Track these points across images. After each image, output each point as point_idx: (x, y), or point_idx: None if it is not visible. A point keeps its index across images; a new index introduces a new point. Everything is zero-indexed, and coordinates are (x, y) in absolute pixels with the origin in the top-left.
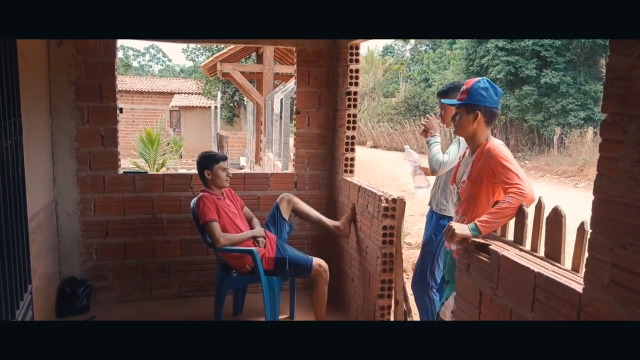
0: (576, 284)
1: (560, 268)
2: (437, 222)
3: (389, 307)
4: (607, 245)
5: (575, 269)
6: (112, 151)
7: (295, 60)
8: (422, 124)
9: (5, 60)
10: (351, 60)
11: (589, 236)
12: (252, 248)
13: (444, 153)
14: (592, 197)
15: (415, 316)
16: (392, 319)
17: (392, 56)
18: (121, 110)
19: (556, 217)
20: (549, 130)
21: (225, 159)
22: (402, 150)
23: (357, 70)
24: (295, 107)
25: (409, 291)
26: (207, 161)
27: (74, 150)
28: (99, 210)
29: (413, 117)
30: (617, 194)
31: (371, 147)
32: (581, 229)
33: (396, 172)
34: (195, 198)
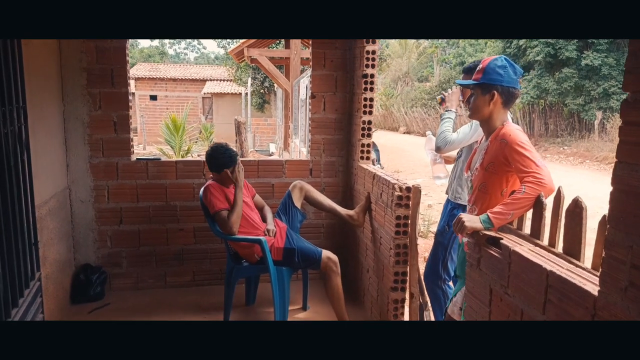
0: (592, 285)
1: (578, 266)
2: (450, 212)
3: (403, 300)
4: (626, 243)
5: (595, 267)
6: (125, 137)
7: (311, 42)
8: (442, 92)
9: (6, 47)
10: (367, 42)
11: (606, 232)
12: (261, 237)
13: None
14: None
15: (431, 310)
16: (406, 312)
17: (427, 39)
18: (155, 97)
19: (576, 209)
20: (589, 114)
21: (236, 162)
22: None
23: (374, 52)
24: (310, 90)
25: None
26: (219, 165)
27: (87, 137)
28: (112, 197)
29: None
30: (639, 184)
31: (404, 132)
32: (603, 223)
33: (428, 159)
34: (203, 188)
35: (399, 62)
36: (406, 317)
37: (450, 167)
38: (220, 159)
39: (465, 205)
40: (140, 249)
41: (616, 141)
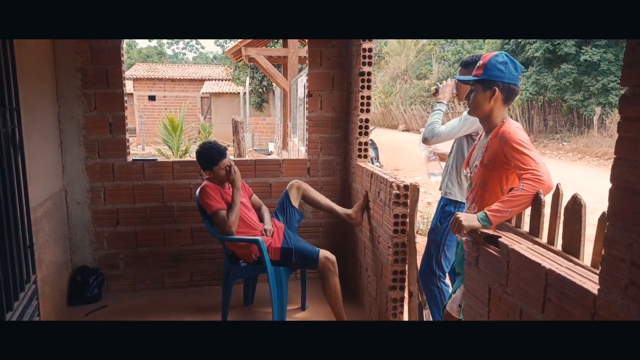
0: (592, 283)
1: (578, 264)
2: (442, 209)
3: (402, 299)
4: (625, 241)
5: (595, 265)
6: (120, 138)
7: (307, 40)
8: (437, 84)
9: None
10: (364, 39)
11: (606, 230)
12: (258, 237)
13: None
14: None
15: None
16: (405, 311)
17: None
18: (154, 97)
19: (575, 207)
20: (588, 110)
21: (224, 156)
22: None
23: (370, 49)
24: (307, 89)
25: None
26: (207, 163)
27: (82, 138)
28: (109, 199)
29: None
30: (638, 181)
31: (403, 130)
32: (602, 220)
33: (423, 156)
34: (199, 189)
35: (397, 59)
36: (405, 316)
37: (444, 163)
38: (209, 154)
39: (457, 201)
40: (137, 250)
41: (616, 137)
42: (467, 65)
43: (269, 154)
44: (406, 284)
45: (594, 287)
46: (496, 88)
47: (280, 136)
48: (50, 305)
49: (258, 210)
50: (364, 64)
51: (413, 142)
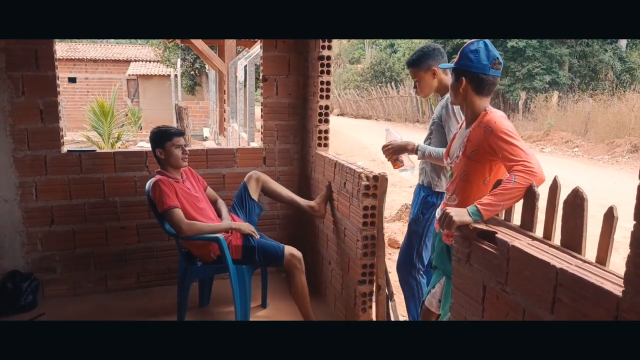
0: (611, 284)
1: (584, 261)
2: (424, 200)
3: (371, 293)
4: None
5: (601, 262)
6: (54, 127)
7: None
8: (391, 143)
9: None
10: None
11: (632, 228)
12: (218, 235)
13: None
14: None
15: (398, 300)
16: (374, 305)
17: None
18: (74, 79)
19: (576, 201)
20: (514, 95)
21: (180, 134)
22: (369, 117)
23: None
24: (261, 73)
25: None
26: (159, 138)
27: (9, 127)
28: (41, 195)
29: (379, 84)
30: None
31: (338, 115)
32: (609, 215)
33: (365, 141)
34: (150, 182)
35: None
36: (373, 310)
37: (413, 157)
38: (164, 129)
39: (440, 192)
40: (75, 251)
41: (540, 120)
42: (414, 63)
43: (205, 140)
44: (375, 277)
45: (615, 288)
46: (463, 78)
47: (215, 121)
48: None
49: (214, 204)
50: (323, 47)
51: (349, 126)
